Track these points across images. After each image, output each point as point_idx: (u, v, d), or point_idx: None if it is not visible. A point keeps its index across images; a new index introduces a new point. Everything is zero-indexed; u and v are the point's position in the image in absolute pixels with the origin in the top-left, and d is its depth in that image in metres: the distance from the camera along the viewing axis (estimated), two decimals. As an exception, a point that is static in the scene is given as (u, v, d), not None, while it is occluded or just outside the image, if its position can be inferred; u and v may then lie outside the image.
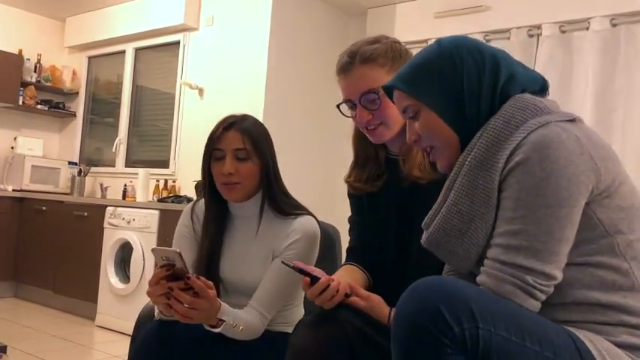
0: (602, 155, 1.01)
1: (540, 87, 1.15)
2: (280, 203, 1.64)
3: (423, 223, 1.18)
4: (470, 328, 0.91)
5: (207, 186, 1.67)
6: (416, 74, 1.15)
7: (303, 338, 1.34)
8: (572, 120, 1.06)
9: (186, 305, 1.36)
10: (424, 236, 1.16)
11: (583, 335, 0.98)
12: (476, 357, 0.92)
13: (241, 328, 1.47)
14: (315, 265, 1.62)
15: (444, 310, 0.91)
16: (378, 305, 1.36)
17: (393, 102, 1.24)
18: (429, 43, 3.94)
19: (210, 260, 1.64)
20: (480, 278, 1.05)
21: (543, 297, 1.00)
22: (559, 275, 0.99)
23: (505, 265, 1.00)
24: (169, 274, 1.36)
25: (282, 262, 1.37)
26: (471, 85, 1.10)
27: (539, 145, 0.99)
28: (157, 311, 1.53)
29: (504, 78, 1.10)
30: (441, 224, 1.11)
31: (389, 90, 1.23)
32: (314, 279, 1.32)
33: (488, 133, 1.06)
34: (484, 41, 3.66)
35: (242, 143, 1.60)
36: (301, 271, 1.33)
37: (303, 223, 1.61)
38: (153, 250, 1.35)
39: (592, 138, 1.03)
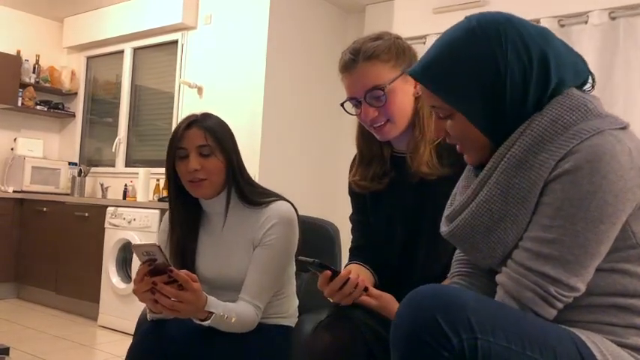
0: None
1: (584, 80, 1.07)
2: (248, 194, 1.65)
3: (447, 214, 1.14)
4: (468, 338, 0.89)
5: (172, 187, 1.68)
6: (451, 74, 1.03)
7: (322, 340, 1.33)
8: (624, 127, 0.99)
9: (172, 299, 1.37)
10: (446, 228, 1.13)
11: (587, 338, 0.96)
12: None
13: (233, 319, 1.48)
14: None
15: (441, 320, 0.89)
16: (389, 304, 1.35)
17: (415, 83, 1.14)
18: (428, 38, 3.95)
19: (182, 259, 1.65)
20: (500, 278, 1.02)
21: (561, 306, 0.98)
22: (582, 288, 0.97)
23: (530, 271, 0.98)
24: (152, 268, 1.37)
25: (299, 259, 1.32)
26: (515, 95, 1.00)
27: (592, 157, 0.93)
28: (147, 311, 1.53)
29: (553, 85, 1.01)
30: (469, 219, 1.06)
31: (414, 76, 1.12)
32: (335, 273, 1.30)
33: (532, 131, 1.00)
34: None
35: (204, 139, 1.61)
36: (321, 265, 1.30)
37: (276, 208, 1.62)
38: (133, 246, 1.36)
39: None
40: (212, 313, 1.44)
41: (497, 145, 1.05)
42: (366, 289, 1.33)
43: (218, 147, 1.62)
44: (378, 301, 1.35)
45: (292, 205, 1.67)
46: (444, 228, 1.14)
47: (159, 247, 1.32)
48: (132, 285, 3.94)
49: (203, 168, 1.60)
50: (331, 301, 1.37)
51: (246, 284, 1.57)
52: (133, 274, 3.79)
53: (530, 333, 0.93)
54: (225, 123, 1.71)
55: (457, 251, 1.23)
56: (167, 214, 1.77)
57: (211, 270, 1.65)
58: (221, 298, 1.53)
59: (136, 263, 3.79)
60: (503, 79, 1.00)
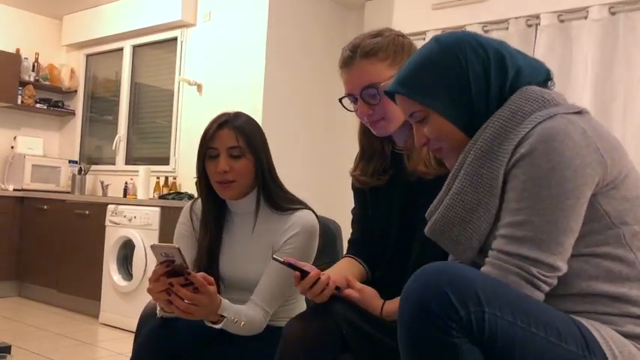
0: (608, 147, 1.01)
1: (544, 78, 1.14)
2: (276, 198, 1.65)
3: (427, 212, 1.18)
4: (476, 312, 0.92)
5: (203, 185, 1.68)
6: (420, 78, 1.13)
7: (294, 330, 1.36)
8: (579, 112, 1.05)
9: (186, 301, 1.37)
10: (427, 225, 1.16)
11: (588, 323, 0.99)
12: (482, 341, 0.92)
13: (243, 323, 1.48)
14: (317, 259, 1.63)
15: (450, 293, 0.92)
16: (370, 297, 1.39)
17: (395, 103, 1.22)
18: (428, 34, 3.95)
19: (209, 258, 1.65)
20: (484, 269, 1.05)
21: (547, 288, 1.00)
22: (563, 267, 0.99)
23: (510, 255, 1.00)
24: (169, 270, 1.37)
25: (273, 258, 1.38)
26: (479, 85, 1.09)
27: (546, 137, 0.98)
28: (158, 308, 1.54)
29: (511, 74, 1.09)
30: (445, 213, 1.11)
31: (391, 93, 1.21)
32: (304, 273, 1.34)
33: (494, 123, 1.06)
34: (482, 32, 3.66)
35: (235, 141, 1.60)
36: (291, 266, 1.35)
37: (301, 217, 1.62)
38: (152, 246, 1.36)
39: (598, 130, 1.03)
40: (224, 316, 1.45)
41: None
42: (337, 289, 1.37)
43: (249, 148, 1.62)
44: (359, 294, 1.38)
45: (315, 214, 1.67)
46: (425, 227, 1.18)
47: (178, 249, 1.32)
48: (133, 282, 3.96)
49: (232, 169, 1.60)
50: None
51: (259, 288, 1.58)
52: (134, 272, 3.80)
53: (534, 312, 0.95)
54: (256, 123, 1.70)
55: None
56: (186, 207, 1.78)
57: (230, 269, 1.66)
58: (235, 297, 1.54)
59: (137, 262, 3.80)
60: (466, 72, 1.09)
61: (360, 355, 1.35)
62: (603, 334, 0.97)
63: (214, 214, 1.69)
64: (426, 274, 0.97)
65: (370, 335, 1.34)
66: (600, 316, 1.01)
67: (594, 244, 1.01)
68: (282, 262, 1.36)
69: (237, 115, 1.67)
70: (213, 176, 1.62)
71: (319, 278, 1.34)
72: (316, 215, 1.67)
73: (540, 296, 1.00)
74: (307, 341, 1.33)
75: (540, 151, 0.98)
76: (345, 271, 1.46)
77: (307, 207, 1.68)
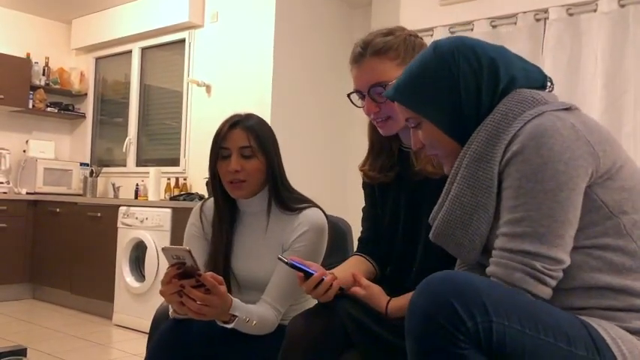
0: (599, 139, 1.03)
1: (540, 85, 1.16)
2: (285, 199, 1.67)
3: (430, 217, 1.20)
4: (483, 322, 0.92)
5: (215, 185, 1.69)
6: (414, 86, 1.16)
7: (298, 327, 1.38)
8: (568, 108, 1.07)
9: (198, 302, 1.38)
10: (431, 231, 1.18)
11: (596, 323, 0.98)
12: (490, 350, 0.92)
13: (254, 322, 1.49)
14: (327, 258, 1.64)
15: (456, 304, 0.92)
16: (376, 295, 1.39)
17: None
18: (435, 30, 3.94)
19: (222, 257, 1.67)
20: (489, 269, 1.05)
21: (553, 282, 1.00)
22: (566, 259, 1.00)
23: (512, 252, 1.01)
24: (180, 272, 1.38)
25: (279, 258, 1.39)
26: (469, 97, 1.11)
27: (535, 134, 1.01)
28: (171, 310, 1.55)
29: (504, 84, 1.11)
30: (446, 217, 1.13)
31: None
32: (308, 274, 1.35)
33: (486, 126, 1.09)
34: (490, 28, 3.64)
35: (247, 141, 1.62)
36: (294, 267, 1.36)
37: (309, 215, 1.63)
38: (163, 249, 1.38)
39: (588, 124, 1.05)
40: (235, 316, 1.46)
41: None
42: (341, 289, 1.37)
43: (260, 149, 1.64)
44: (365, 292, 1.38)
45: (323, 211, 1.68)
46: (430, 233, 1.19)
47: (189, 251, 1.34)
48: (145, 284, 3.97)
49: (243, 169, 1.62)
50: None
51: (270, 287, 1.59)
52: (146, 273, 3.82)
53: (542, 317, 0.95)
54: (267, 124, 1.72)
55: None
56: (196, 207, 1.79)
57: (240, 269, 1.67)
58: (247, 297, 1.55)
59: (149, 263, 3.82)
60: (457, 84, 1.11)
61: (365, 352, 1.36)
62: (612, 333, 0.97)
63: (226, 214, 1.70)
64: (431, 286, 0.97)
65: (375, 333, 1.35)
66: (606, 312, 1.01)
67: (594, 235, 1.02)
68: (287, 263, 1.37)
69: (249, 116, 1.69)
70: (225, 176, 1.64)
71: (323, 279, 1.35)
72: (325, 213, 1.68)
73: (547, 291, 1.00)
74: (311, 339, 1.34)
75: (531, 148, 1.00)
76: (352, 269, 1.47)
77: (315, 205, 1.69)
